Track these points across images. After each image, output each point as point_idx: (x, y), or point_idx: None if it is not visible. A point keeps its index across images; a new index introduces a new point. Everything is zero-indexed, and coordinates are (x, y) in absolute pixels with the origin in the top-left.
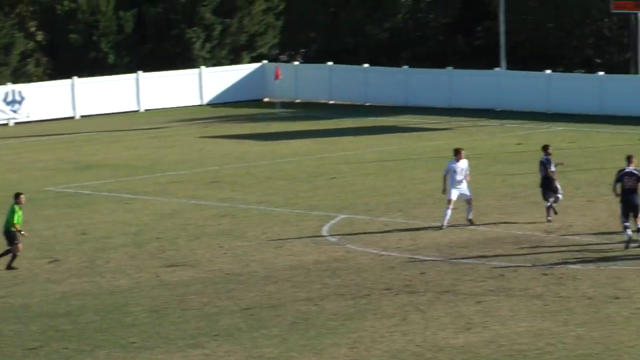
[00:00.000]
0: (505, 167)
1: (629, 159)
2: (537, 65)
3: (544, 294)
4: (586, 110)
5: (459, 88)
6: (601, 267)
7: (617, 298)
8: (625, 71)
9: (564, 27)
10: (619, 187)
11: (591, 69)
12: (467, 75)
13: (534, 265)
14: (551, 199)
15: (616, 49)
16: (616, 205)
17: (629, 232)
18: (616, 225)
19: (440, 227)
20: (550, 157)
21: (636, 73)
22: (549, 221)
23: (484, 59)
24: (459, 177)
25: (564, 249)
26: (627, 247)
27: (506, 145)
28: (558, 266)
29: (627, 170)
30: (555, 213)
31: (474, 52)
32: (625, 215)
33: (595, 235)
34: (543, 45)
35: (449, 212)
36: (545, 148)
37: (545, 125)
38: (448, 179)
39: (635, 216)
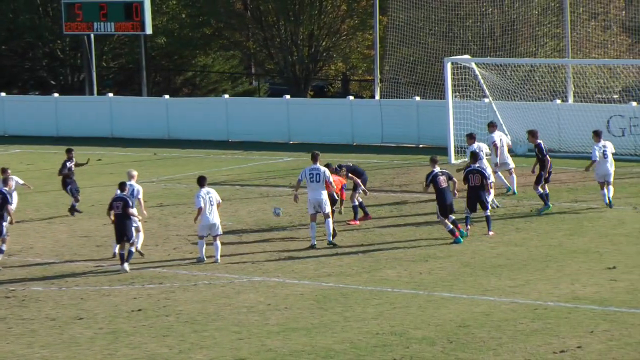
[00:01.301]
0: None
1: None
2: None
3: (8, 317)
4: (42, 132)
5: None
6: (63, 289)
7: (81, 319)
8: (81, 92)
9: (16, 49)
10: (112, 213)
11: (46, 90)
12: None
13: None
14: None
15: (70, 70)
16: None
17: (126, 266)
18: (77, 245)
19: None
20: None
21: (92, 94)
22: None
23: None
24: None
25: (26, 271)
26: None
27: None
28: (20, 288)
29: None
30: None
31: None
32: (118, 242)
33: (57, 256)
34: None
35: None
36: (68, 151)
37: (1, 147)
38: None
39: (127, 241)
